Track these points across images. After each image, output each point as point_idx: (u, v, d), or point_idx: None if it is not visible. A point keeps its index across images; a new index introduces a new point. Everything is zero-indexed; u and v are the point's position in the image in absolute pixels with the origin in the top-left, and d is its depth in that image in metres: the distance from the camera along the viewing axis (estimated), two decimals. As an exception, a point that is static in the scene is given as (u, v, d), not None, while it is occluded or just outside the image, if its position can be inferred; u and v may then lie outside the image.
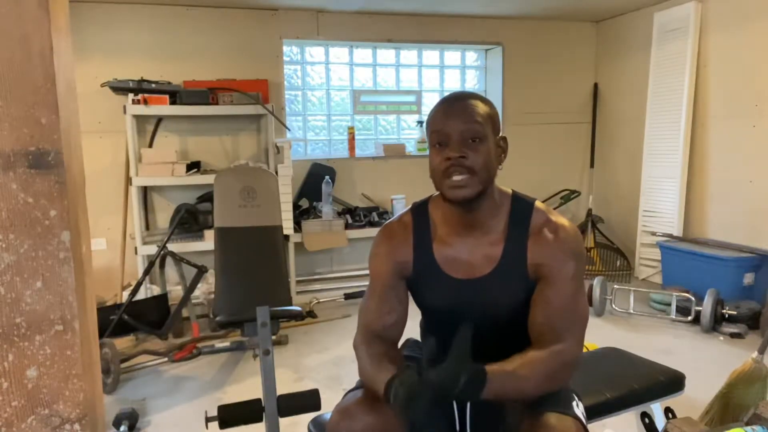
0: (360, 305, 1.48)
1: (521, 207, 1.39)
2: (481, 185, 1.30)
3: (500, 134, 1.36)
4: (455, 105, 1.32)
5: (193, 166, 4.11)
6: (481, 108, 1.32)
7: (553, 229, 1.35)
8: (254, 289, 3.14)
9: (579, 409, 1.34)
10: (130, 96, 3.89)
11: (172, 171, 3.93)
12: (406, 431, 1.24)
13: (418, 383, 1.13)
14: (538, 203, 1.40)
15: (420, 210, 1.46)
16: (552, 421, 1.21)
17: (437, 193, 1.43)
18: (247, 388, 2.87)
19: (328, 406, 1.50)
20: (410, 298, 1.46)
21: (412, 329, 1.61)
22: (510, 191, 1.42)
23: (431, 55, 5.18)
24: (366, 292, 1.47)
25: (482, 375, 1.16)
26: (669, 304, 3.71)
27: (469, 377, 1.12)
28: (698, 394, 2.32)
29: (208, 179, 3.73)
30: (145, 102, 3.87)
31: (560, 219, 1.38)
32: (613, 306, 3.86)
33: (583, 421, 1.30)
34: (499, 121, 1.38)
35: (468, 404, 1.42)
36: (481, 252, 1.37)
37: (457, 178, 1.27)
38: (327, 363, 3.19)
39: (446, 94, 1.43)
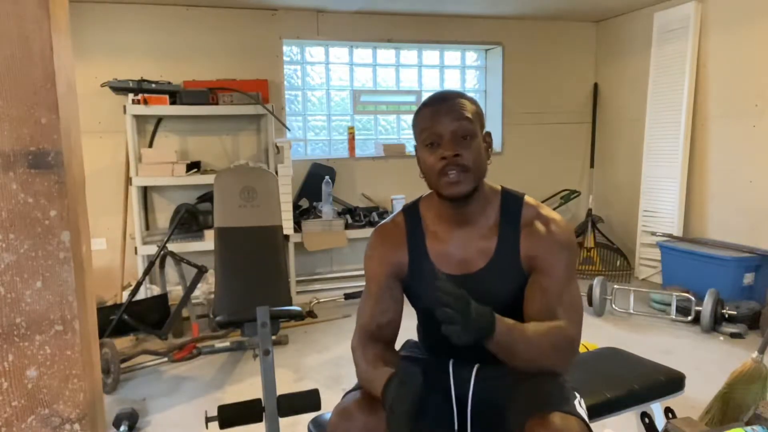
0: (358, 306, 1.49)
1: (511, 201, 1.42)
2: (475, 181, 1.33)
3: (485, 130, 1.40)
4: (443, 104, 1.34)
5: (193, 166, 4.11)
6: (469, 106, 1.35)
7: (544, 222, 1.38)
8: (254, 289, 3.14)
9: (581, 407, 1.34)
10: (130, 96, 3.89)
11: (172, 171, 3.93)
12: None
13: (410, 383, 1.14)
14: (527, 198, 1.43)
15: (411, 211, 1.49)
16: (556, 421, 1.20)
17: (427, 193, 1.46)
18: (247, 388, 2.87)
19: (328, 406, 1.50)
20: (405, 299, 1.47)
21: (411, 330, 1.61)
22: (499, 187, 1.45)
23: (431, 55, 5.18)
24: (363, 294, 1.49)
25: (490, 313, 1.17)
26: (669, 304, 3.71)
27: (477, 311, 1.14)
28: (698, 394, 2.32)
29: (208, 179, 3.73)
30: (145, 102, 3.87)
31: (551, 212, 1.42)
32: (613, 306, 3.86)
33: (587, 420, 1.30)
34: (484, 118, 1.41)
35: (468, 404, 1.42)
36: (474, 247, 1.39)
37: (452, 175, 1.30)
38: (327, 363, 3.19)
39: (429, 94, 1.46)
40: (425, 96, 5.01)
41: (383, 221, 1.54)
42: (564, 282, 1.34)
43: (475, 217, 1.39)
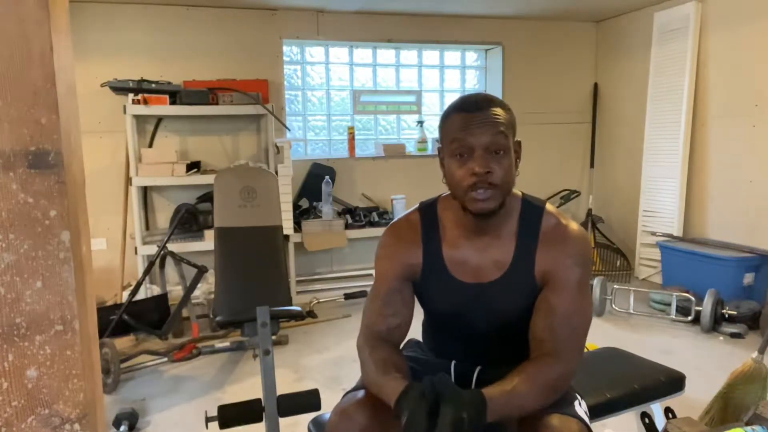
0: (365, 304, 1.45)
1: (532, 211, 1.37)
2: (502, 197, 1.28)
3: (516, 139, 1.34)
4: (477, 114, 1.26)
5: (193, 166, 4.11)
6: (503, 116, 1.28)
7: (561, 234, 1.33)
8: (254, 289, 3.13)
9: (582, 408, 1.34)
10: (130, 96, 3.89)
11: (172, 171, 3.93)
12: None
13: (422, 402, 1.11)
14: (548, 206, 1.38)
15: (429, 210, 1.44)
16: (554, 423, 1.20)
17: (446, 193, 1.41)
18: (247, 388, 2.87)
19: (328, 406, 1.50)
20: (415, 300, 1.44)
21: (415, 329, 1.61)
22: (520, 194, 1.40)
23: (431, 55, 5.18)
24: (370, 292, 1.44)
25: (481, 399, 1.14)
26: (669, 304, 3.71)
27: (469, 412, 1.10)
28: (698, 394, 2.32)
29: (208, 179, 3.73)
30: (145, 102, 3.87)
31: (570, 223, 1.36)
32: (613, 306, 3.86)
33: (587, 421, 1.30)
34: (516, 125, 1.34)
35: None
36: (490, 256, 1.36)
37: (481, 192, 1.25)
38: (327, 363, 3.19)
39: (465, 94, 1.37)
40: (425, 96, 5.09)
41: (397, 219, 1.48)
42: (574, 300, 1.30)
43: (494, 227, 1.35)
